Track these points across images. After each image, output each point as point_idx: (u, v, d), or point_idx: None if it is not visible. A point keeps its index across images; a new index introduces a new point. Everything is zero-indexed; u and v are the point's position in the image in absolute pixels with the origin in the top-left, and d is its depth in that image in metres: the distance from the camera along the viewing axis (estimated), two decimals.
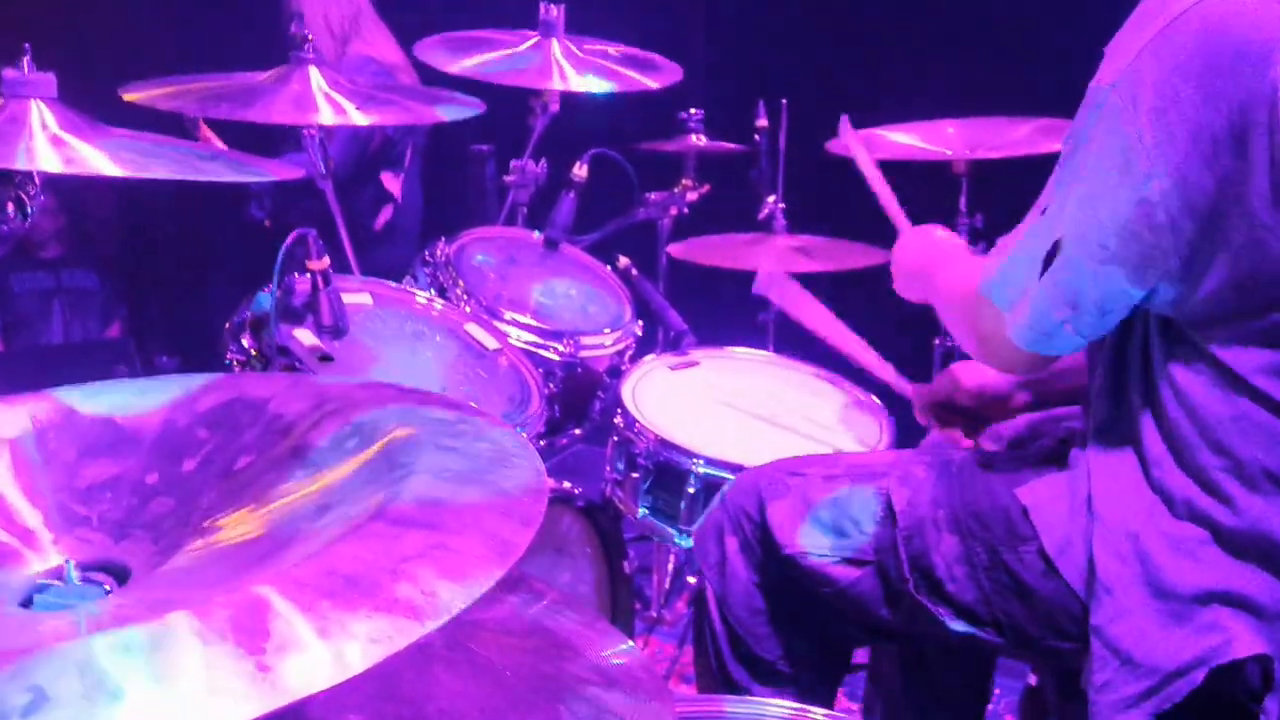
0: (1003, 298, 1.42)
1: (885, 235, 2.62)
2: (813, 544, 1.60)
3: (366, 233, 3.57)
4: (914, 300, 1.77)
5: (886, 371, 2.05)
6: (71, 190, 4.02)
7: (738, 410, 2.32)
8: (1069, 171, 1.36)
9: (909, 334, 2.91)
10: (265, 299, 1.89)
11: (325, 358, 1.90)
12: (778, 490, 1.66)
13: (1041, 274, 1.35)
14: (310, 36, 2.54)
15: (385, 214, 3.78)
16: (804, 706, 1.36)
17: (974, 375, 1.84)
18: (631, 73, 2.84)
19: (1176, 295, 1.32)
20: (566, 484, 2.22)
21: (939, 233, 1.81)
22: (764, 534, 1.65)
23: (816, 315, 2.14)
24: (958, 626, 1.52)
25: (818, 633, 1.67)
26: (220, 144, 2.97)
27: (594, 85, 2.77)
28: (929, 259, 1.74)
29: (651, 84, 2.82)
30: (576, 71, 2.77)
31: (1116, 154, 1.29)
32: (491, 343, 2.34)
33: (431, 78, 2.95)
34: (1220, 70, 1.23)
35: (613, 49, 2.92)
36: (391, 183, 3.78)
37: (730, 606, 1.68)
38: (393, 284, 2.43)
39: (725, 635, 1.68)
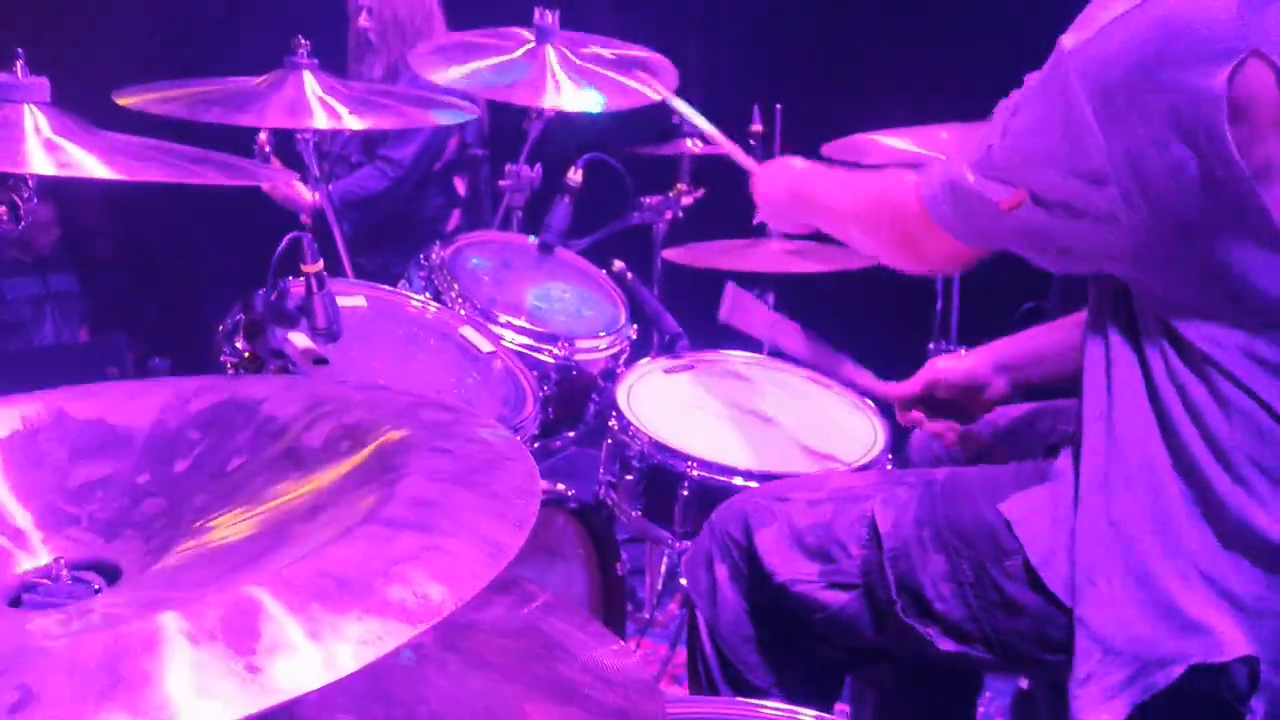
0: (945, 212, 1.46)
1: None
2: (800, 571, 1.60)
3: (439, 237, 3.46)
4: (786, 230, 1.82)
5: (864, 377, 2.06)
6: (62, 193, 4.01)
7: (732, 413, 2.32)
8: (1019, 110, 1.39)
9: (902, 337, 2.91)
10: (259, 301, 1.89)
11: (319, 360, 1.89)
12: (764, 518, 1.66)
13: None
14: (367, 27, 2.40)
15: (454, 218, 3.75)
16: (795, 708, 1.36)
17: (953, 367, 1.85)
18: (628, 81, 2.82)
19: (1151, 280, 1.33)
20: (560, 486, 2.22)
21: (796, 162, 1.86)
22: (752, 562, 1.65)
23: (784, 332, 2.14)
24: (947, 645, 1.52)
25: (809, 659, 1.67)
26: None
27: (589, 101, 2.73)
28: (801, 184, 1.79)
29: (652, 95, 2.80)
30: (573, 85, 2.75)
31: (1062, 117, 1.30)
32: (486, 345, 2.34)
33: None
34: (1171, 61, 1.23)
35: (608, 51, 2.92)
36: (460, 186, 3.75)
37: (722, 635, 1.68)
38: (387, 287, 2.43)
39: (718, 663, 1.68)
